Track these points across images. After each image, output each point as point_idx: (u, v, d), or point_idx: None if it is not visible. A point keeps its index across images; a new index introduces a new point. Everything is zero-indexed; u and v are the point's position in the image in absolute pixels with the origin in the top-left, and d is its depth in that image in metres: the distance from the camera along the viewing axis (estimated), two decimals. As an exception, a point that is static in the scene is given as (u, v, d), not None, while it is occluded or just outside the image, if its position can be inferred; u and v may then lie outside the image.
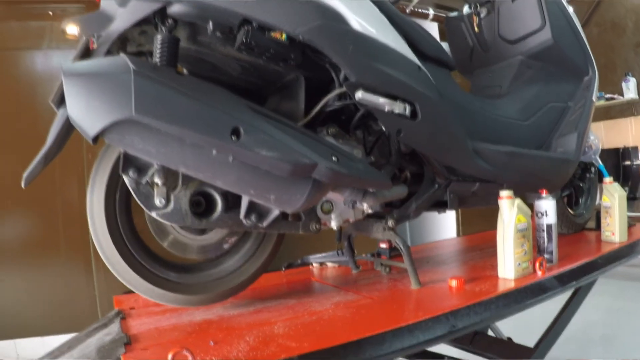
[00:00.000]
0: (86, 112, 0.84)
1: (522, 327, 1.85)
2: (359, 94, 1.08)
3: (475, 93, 1.81)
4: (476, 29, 1.79)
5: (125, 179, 1.03)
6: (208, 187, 1.11)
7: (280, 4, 0.96)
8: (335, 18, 1.02)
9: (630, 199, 3.79)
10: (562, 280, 1.34)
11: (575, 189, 2.03)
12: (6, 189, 2.29)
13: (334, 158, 1.02)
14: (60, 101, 0.94)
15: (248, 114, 0.96)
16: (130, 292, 1.21)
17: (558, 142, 1.64)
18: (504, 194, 1.31)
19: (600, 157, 1.99)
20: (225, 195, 1.12)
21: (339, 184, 1.12)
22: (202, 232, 1.21)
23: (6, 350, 2.37)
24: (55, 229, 2.46)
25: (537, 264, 1.33)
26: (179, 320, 1.19)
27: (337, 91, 1.12)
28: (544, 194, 1.42)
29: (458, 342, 1.76)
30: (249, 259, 1.28)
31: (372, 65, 1.08)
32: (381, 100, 1.11)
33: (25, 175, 0.99)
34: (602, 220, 1.81)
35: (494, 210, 1.34)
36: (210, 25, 0.94)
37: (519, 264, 1.30)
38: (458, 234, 3.67)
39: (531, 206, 1.41)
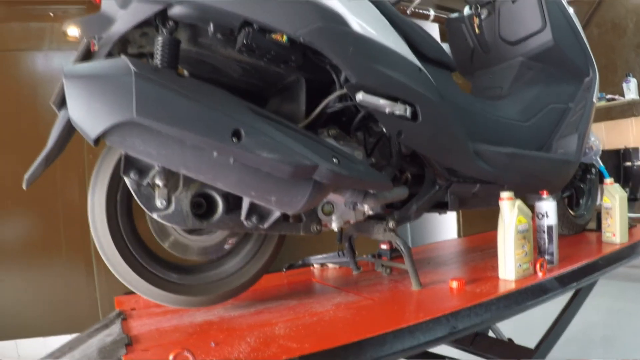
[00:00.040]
0: (87, 114, 0.84)
1: (522, 328, 1.85)
2: (360, 96, 1.08)
3: (475, 94, 1.81)
4: (477, 30, 1.79)
5: (127, 180, 1.03)
6: (209, 189, 1.11)
7: (280, 5, 0.96)
8: (335, 20, 1.02)
9: (631, 200, 3.78)
10: (563, 282, 1.34)
11: (576, 190, 2.03)
12: (7, 189, 2.29)
13: (334, 160, 1.02)
14: (61, 103, 0.95)
15: (249, 116, 0.96)
16: (131, 293, 1.22)
17: (559, 144, 1.64)
18: (505, 195, 1.31)
19: (601, 158, 2.00)
20: (226, 196, 1.13)
21: (340, 185, 1.12)
22: (204, 233, 1.21)
23: (7, 351, 2.38)
24: (56, 229, 2.46)
25: (538, 265, 1.33)
26: (180, 321, 1.20)
27: (337, 93, 1.12)
28: (545, 195, 1.42)
29: (459, 343, 1.76)
30: (250, 260, 1.28)
31: (372, 67, 1.08)
32: (382, 101, 1.11)
33: (26, 176, 0.99)
34: (603, 221, 1.81)
35: (495, 211, 1.34)
36: (211, 27, 0.94)
37: (520, 265, 1.30)
38: (459, 235, 3.67)
39: (532, 207, 1.41)
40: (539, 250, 1.43)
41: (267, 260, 1.30)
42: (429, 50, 1.34)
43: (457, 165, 1.35)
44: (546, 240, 1.42)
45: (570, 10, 1.74)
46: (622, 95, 4.21)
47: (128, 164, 1.00)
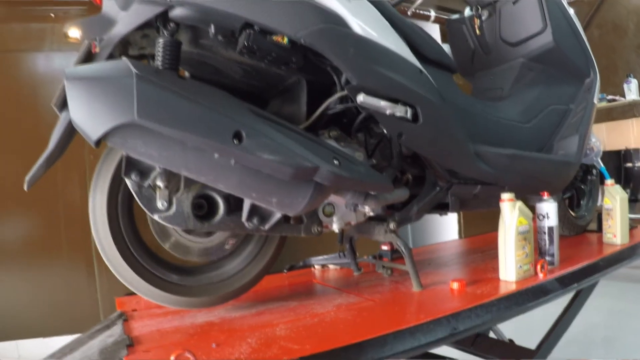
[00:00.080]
0: (89, 116, 0.84)
1: (523, 329, 1.85)
2: (361, 97, 1.08)
3: (476, 95, 1.81)
4: (477, 31, 1.79)
5: (128, 182, 1.03)
6: (210, 190, 1.11)
7: (281, 7, 0.96)
8: (336, 21, 1.03)
9: (632, 201, 3.77)
10: (564, 283, 1.34)
11: (577, 191, 2.03)
12: (8, 189, 2.29)
13: (335, 161, 1.03)
14: (63, 104, 0.94)
15: (250, 118, 0.96)
16: (132, 294, 1.22)
17: (559, 145, 1.64)
18: (506, 196, 1.31)
19: (602, 159, 2.00)
20: (227, 198, 1.13)
21: (341, 187, 1.12)
22: (204, 234, 1.22)
23: (8, 352, 2.38)
24: (58, 230, 2.46)
25: (539, 266, 1.33)
26: (181, 322, 1.20)
27: (338, 94, 1.12)
28: (546, 196, 1.42)
29: (460, 344, 1.76)
30: (251, 261, 1.28)
31: (373, 68, 1.08)
32: (382, 103, 1.11)
33: (27, 178, 0.99)
34: (604, 222, 1.81)
35: (496, 213, 1.34)
36: (212, 29, 0.94)
37: (520, 266, 1.30)
38: (460, 236, 3.67)
39: (532, 208, 1.41)
40: (539, 252, 1.43)
41: (268, 261, 1.30)
42: (430, 51, 1.34)
43: (457, 166, 1.35)
44: (547, 242, 1.42)
45: (571, 11, 1.74)
46: (623, 96, 4.21)
47: (129, 165, 1.00)
